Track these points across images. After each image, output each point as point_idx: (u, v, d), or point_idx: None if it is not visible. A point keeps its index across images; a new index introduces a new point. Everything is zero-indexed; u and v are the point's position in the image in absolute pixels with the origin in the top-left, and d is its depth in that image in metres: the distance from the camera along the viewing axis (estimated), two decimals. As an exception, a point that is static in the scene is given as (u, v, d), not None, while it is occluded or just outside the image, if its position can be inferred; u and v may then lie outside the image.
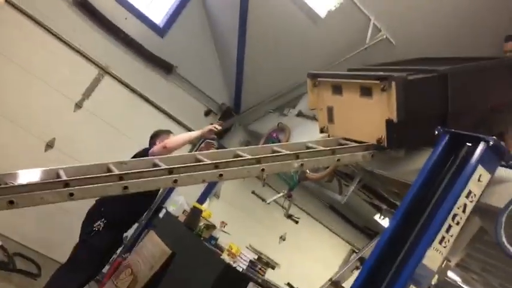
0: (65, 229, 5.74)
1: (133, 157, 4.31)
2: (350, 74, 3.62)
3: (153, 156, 4.11)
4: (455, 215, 2.54)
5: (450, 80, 3.17)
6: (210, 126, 4.50)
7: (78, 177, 2.34)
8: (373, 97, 3.26)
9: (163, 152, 4.17)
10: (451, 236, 2.55)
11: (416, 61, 4.01)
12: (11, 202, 2.10)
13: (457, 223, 2.56)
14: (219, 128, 4.53)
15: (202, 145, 4.78)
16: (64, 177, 2.31)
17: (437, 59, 4.04)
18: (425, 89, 3.19)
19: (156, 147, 4.27)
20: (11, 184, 2.16)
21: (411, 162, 3.36)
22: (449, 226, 2.53)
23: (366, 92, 3.32)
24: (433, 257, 2.53)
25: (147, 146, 4.75)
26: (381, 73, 3.25)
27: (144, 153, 4.32)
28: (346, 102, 3.58)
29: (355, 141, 3.45)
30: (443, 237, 2.52)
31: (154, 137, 4.67)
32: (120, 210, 4.28)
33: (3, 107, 5.74)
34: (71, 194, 2.26)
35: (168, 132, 4.70)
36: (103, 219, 4.27)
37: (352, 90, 3.46)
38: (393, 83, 3.01)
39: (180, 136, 4.54)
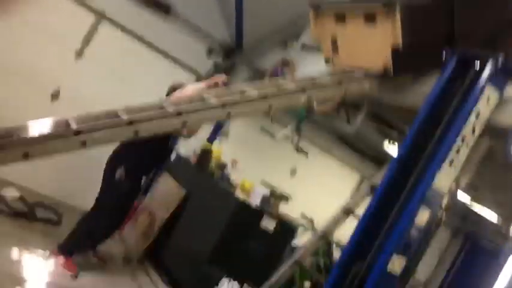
0: (82, 176, 5.89)
1: None
2: (353, 1, 3.52)
3: None
4: (464, 137, 2.55)
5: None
6: (217, 78, 4.51)
7: (88, 125, 2.36)
8: (377, 24, 3.18)
9: None
10: (461, 157, 2.58)
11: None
12: (26, 155, 2.13)
13: (467, 145, 2.58)
14: (225, 81, 4.52)
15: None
16: (74, 126, 2.33)
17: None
18: (431, 11, 3.10)
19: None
20: (24, 136, 2.18)
21: (419, 88, 3.33)
22: (459, 148, 2.55)
23: (370, 18, 3.23)
24: (444, 179, 2.58)
25: (151, 90, 4.78)
26: (385, -2, 3.14)
27: None
28: (350, 30, 3.51)
29: (361, 70, 3.41)
30: (452, 160, 2.55)
31: (172, 91, 4.74)
32: (137, 156, 4.43)
33: (4, 61, 5.69)
34: (83, 142, 2.30)
35: (182, 85, 4.74)
36: (123, 167, 4.38)
37: (355, 17, 3.38)
38: (397, 7, 2.93)
39: (189, 89, 4.57)
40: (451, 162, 2.54)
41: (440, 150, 2.55)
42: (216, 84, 4.42)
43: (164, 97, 4.71)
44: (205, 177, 5.80)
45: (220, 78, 4.53)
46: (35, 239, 4.71)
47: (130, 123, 2.44)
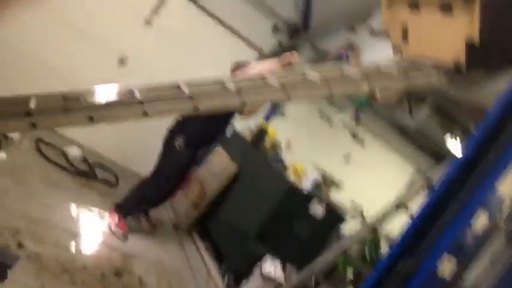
0: (142, 142, 6.10)
1: None
2: (430, -12, 3.35)
3: None
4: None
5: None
6: (289, 58, 4.40)
7: (151, 96, 2.41)
8: (454, 14, 3.02)
9: None
10: (529, 164, 2.43)
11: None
12: (91, 118, 2.22)
13: (537, 152, 2.42)
14: (297, 60, 4.42)
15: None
16: (138, 96, 2.39)
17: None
18: (514, 4, 2.90)
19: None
20: (90, 101, 2.27)
21: (492, 85, 3.15)
22: (528, 154, 2.40)
23: (447, 7, 3.07)
24: (507, 184, 2.44)
25: (215, 63, 4.79)
26: (465, -14, 2.97)
27: None
28: (423, 18, 3.35)
29: (431, 62, 3.26)
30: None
31: (236, 69, 4.74)
32: (198, 128, 4.53)
33: (76, 23, 5.92)
34: (145, 112, 2.35)
35: (246, 64, 4.73)
36: (182, 137, 4.49)
37: (430, 5, 3.22)
38: (477, -1, 2.76)
39: (257, 68, 4.51)
40: (518, 169, 2.40)
41: (507, 154, 2.41)
42: (289, 64, 4.35)
43: (229, 74, 4.74)
44: (259, 156, 5.83)
45: (293, 57, 4.43)
46: (93, 198, 4.95)
47: (191, 97, 2.47)
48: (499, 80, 3.06)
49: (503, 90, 2.66)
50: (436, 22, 3.21)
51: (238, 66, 4.78)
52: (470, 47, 2.94)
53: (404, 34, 3.55)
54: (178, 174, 4.78)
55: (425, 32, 3.36)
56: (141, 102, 2.34)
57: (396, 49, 3.70)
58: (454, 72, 3.14)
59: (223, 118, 4.74)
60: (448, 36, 3.11)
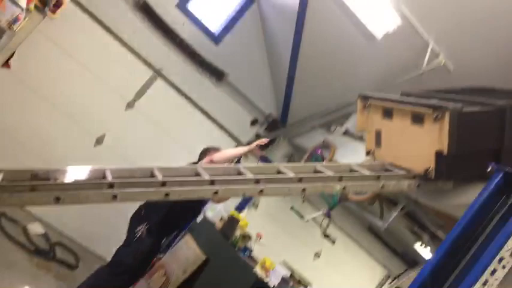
0: (106, 223, 5.91)
1: None
2: (402, 99, 3.53)
3: None
4: (501, 259, 2.41)
5: (508, 114, 3.03)
6: (258, 142, 4.52)
7: (122, 180, 2.39)
8: (424, 125, 3.16)
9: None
10: (496, 279, 2.43)
11: (473, 90, 3.86)
12: (58, 199, 2.16)
13: (503, 267, 2.43)
14: (265, 142, 4.57)
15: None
16: (109, 178, 2.37)
17: (496, 90, 3.88)
18: (480, 122, 3.06)
19: (203, 162, 4.39)
20: (59, 181, 2.23)
21: (459, 196, 3.23)
22: (495, 269, 2.40)
23: (418, 119, 3.21)
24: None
25: (192, 149, 4.81)
26: (435, 101, 3.14)
27: None
28: (395, 127, 3.49)
29: (402, 168, 3.35)
30: (486, 280, 2.40)
31: (204, 153, 4.74)
32: (162, 216, 4.37)
33: (59, 100, 5.98)
34: (115, 196, 2.31)
35: (216, 149, 4.77)
36: (145, 224, 4.37)
37: (403, 116, 3.37)
38: (447, 114, 2.91)
39: (227, 152, 4.60)
40: (485, 283, 2.39)
41: (474, 268, 2.41)
42: (257, 148, 4.47)
43: (198, 159, 4.73)
44: (228, 246, 5.69)
45: (262, 141, 4.54)
46: (49, 281, 4.69)
47: (163, 184, 2.45)
48: (467, 192, 3.15)
49: (470, 204, 2.71)
50: (408, 131, 3.34)
51: (207, 151, 4.76)
52: (439, 158, 3.04)
53: (378, 139, 3.67)
54: (139, 264, 4.55)
55: (398, 140, 3.47)
56: (111, 186, 2.31)
57: (369, 153, 3.81)
58: (424, 180, 3.22)
59: (191, 207, 4.66)
60: (419, 145, 3.22)
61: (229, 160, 4.46)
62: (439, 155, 3.01)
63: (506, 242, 2.43)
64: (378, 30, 5.14)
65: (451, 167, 3.08)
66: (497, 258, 2.42)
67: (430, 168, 3.08)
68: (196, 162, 4.53)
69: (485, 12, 4.59)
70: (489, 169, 2.76)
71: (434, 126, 3.01)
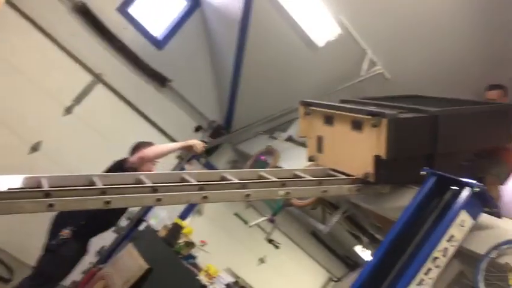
0: (42, 234, 5.64)
1: (108, 170, 4.19)
2: (342, 106, 3.64)
3: (132, 166, 4.08)
4: (435, 258, 2.54)
5: (440, 121, 3.19)
6: (193, 142, 4.30)
7: (59, 188, 2.30)
8: (363, 131, 3.27)
9: (142, 162, 4.11)
10: (430, 278, 2.54)
11: (409, 98, 4.06)
12: (-11, 209, 2.05)
13: (437, 266, 2.55)
14: (202, 147, 4.33)
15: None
16: (46, 187, 2.28)
17: (429, 98, 4.09)
18: (415, 129, 3.22)
19: (134, 157, 4.15)
20: (-9, 190, 2.12)
21: (396, 199, 3.37)
22: (429, 269, 2.52)
23: (357, 125, 3.33)
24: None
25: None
26: (373, 109, 3.27)
27: (119, 165, 4.20)
28: (336, 133, 3.59)
29: (343, 173, 3.45)
30: (422, 280, 2.51)
31: (136, 148, 4.49)
32: (89, 217, 4.03)
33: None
34: (51, 205, 2.22)
35: (149, 144, 4.58)
36: (71, 227, 4.06)
37: (343, 122, 3.47)
38: (384, 120, 3.03)
39: (159, 146, 4.40)
40: (420, 282, 2.50)
41: (410, 268, 2.52)
42: (190, 148, 4.25)
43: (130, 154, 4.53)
44: (171, 254, 5.60)
45: (196, 142, 4.29)
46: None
47: (103, 192, 2.38)
48: (403, 196, 3.29)
49: (406, 207, 2.84)
50: (348, 137, 3.45)
51: (138, 146, 4.49)
52: (378, 163, 3.15)
53: (319, 145, 3.76)
54: (66, 269, 4.25)
55: (339, 145, 3.58)
56: (47, 195, 2.22)
57: (311, 159, 3.89)
58: (364, 184, 3.33)
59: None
60: (358, 151, 3.33)
61: (162, 155, 4.25)
62: (377, 159, 3.13)
63: (439, 243, 2.56)
64: (320, 39, 5.29)
65: (389, 171, 3.21)
66: (431, 258, 2.54)
67: (370, 173, 3.20)
68: (122, 160, 4.38)
69: (420, 24, 4.86)
70: (423, 173, 2.90)
71: (373, 132, 3.13)
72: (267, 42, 5.72)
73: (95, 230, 4.42)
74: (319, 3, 4.99)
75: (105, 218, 4.34)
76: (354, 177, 3.33)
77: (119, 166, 4.10)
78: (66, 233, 4.05)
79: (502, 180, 4.22)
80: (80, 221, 4.07)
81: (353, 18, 5.10)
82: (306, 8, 5.06)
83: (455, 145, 3.39)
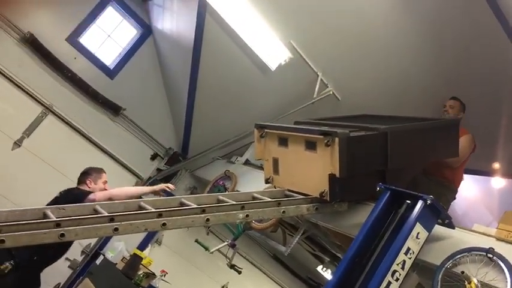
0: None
1: (56, 201, 4.01)
2: (296, 127, 3.70)
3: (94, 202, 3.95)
4: (394, 271, 2.59)
5: (390, 138, 3.30)
6: (163, 186, 4.42)
7: (10, 223, 2.21)
8: (317, 151, 3.33)
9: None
10: (391, 292, 2.60)
11: (360, 118, 4.17)
12: None
13: (396, 279, 2.61)
14: (172, 189, 4.47)
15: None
16: (-5, 223, 2.18)
17: (379, 116, 4.23)
18: (366, 146, 3.31)
19: (100, 195, 4.05)
20: None
21: (354, 216, 3.44)
22: (389, 282, 2.57)
23: (311, 146, 3.38)
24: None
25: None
26: (326, 128, 3.33)
27: (73, 196, 4.01)
28: (291, 154, 3.62)
29: (300, 193, 3.49)
30: (383, 294, 2.56)
31: (85, 174, 4.40)
32: (33, 249, 3.74)
33: None
34: (2, 241, 2.13)
35: (100, 171, 4.47)
36: (12, 260, 3.75)
37: (297, 143, 3.52)
38: (336, 139, 3.09)
39: (128, 189, 4.41)
40: (381, 297, 2.55)
41: (371, 283, 2.56)
42: (157, 192, 4.32)
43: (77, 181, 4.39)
44: (131, 287, 5.44)
45: (164, 186, 4.43)
46: None
47: (58, 225, 2.31)
48: (360, 212, 3.36)
49: (364, 222, 2.90)
50: (303, 158, 3.49)
51: (88, 173, 4.40)
52: (333, 181, 3.21)
53: (275, 167, 3.79)
54: None
55: (294, 166, 3.62)
56: (-2, 231, 2.13)
57: (268, 181, 3.91)
58: (321, 203, 3.37)
59: None
60: (314, 171, 3.38)
61: (132, 198, 4.08)
62: (332, 178, 3.18)
63: (397, 256, 2.62)
64: (271, 62, 5.39)
65: (343, 189, 3.27)
66: (391, 271, 2.59)
67: (325, 191, 3.24)
68: (74, 188, 4.24)
69: (367, 44, 5.05)
70: (378, 189, 2.99)
71: (326, 151, 3.18)
72: (220, 68, 5.77)
73: (39, 263, 4.08)
74: (268, 28, 5.10)
75: (54, 250, 4.06)
76: (312, 197, 3.37)
77: (74, 198, 3.92)
78: (5, 266, 3.74)
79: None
80: (24, 255, 3.78)
81: (302, 42, 5.23)
82: (256, 32, 5.16)
83: (405, 160, 3.51)
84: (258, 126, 3.86)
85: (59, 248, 4.20)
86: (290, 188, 3.60)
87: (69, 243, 4.33)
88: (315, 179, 3.34)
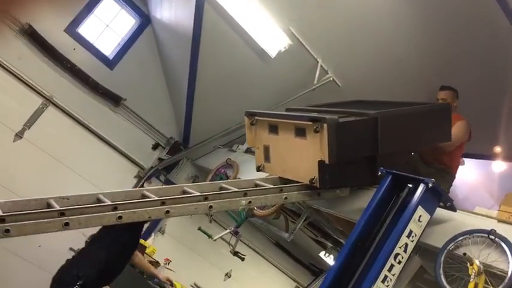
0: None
1: None
2: (286, 114, 3.67)
3: None
4: (397, 254, 2.61)
5: (380, 123, 3.24)
6: None
7: (15, 213, 2.23)
8: (307, 138, 3.29)
9: None
10: (393, 274, 2.62)
11: (353, 103, 4.10)
12: None
13: (399, 262, 2.63)
14: None
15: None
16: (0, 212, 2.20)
17: (372, 102, 4.14)
18: (356, 132, 3.26)
19: None
20: None
21: (356, 201, 3.45)
22: (392, 265, 2.60)
23: (301, 132, 3.34)
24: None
25: (90, 177, 4.35)
26: (315, 115, 3.29)
27: None
28: (282, 141, 3.58)
29: (291, 181, 3.46)
30: (385, 276, 2.58)
31: None
32: (100, 268, 3.39)
33: None
34: (7, 231, 2.15)
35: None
36: (79, 283, 3.27)
37: (287, 130, 3.48)
38: (325, 125, 3.06)
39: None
40: (384, 279, 2.57)
41: (374, 266, 2.58)
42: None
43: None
44: (136, 275, 5.48)
45: None
46: None
47: (62, 214, 2.33)
48: (362, 197, 3.37)
49: (366, 206, 2.91)
50: (293, 144, 3.45)
51: None
52: (322, 167, 3.17)
53: (266, 154, 3.75)
54: None
55: (285, 153, 3.57)
56: (2, 220, 2.15)
57: (259, 169, 3.86)
58: (312, 189, 3.34)
59: (129, 244, 3.58)
60: (304, 157, 3.33)
61: None
62: (321, 164, 3.15)
63: (399, 239, 2.64)
64: (271, 50, 5.36)
65: (333, 175, 3.23)
66: (393, 254, 2.61)
67: (315, 178, 3.20)
68: None
69: (365, 29, 5.01)
70: (379, 173, 2.99)
71: (316, 138, 3.15)
72: (220, 56, 5.74)
73: (107, 281, 3.74)
74: (267, 15, 5.08)
75: (116, 265, 3.61)
76: (302, 184, 3.35)
77: None
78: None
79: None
80: (90, 275, 3.33)
81: (302, 28, 5.21)
82: (256, 19, 5.13)
83: (396, 145, 3.45)
84: (248, 113, 3.83)
85: (123, 256, 3.70)
86: (281, 175, 3.57)
87: (129, 257, 3.95)
88: (305, 166, 3.30)
